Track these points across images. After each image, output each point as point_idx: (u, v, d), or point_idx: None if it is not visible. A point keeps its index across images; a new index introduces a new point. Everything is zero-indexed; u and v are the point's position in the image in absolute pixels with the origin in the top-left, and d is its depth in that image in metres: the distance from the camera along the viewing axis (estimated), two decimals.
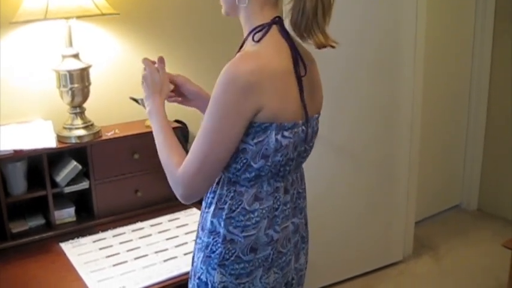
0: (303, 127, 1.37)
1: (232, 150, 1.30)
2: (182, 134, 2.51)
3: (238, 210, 1.37)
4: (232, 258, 1.39)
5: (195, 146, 1.34)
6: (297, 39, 1.36)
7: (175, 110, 2.51)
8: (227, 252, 1.38)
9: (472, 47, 4.03)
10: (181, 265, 1.84)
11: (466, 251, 3.61)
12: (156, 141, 1.48)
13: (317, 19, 1.30)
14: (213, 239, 1.40)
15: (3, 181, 2.00)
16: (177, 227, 2.16)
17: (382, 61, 3.09)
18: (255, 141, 1.30)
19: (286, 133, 1.32)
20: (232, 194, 1.37)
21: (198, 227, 1.48)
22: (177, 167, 1.36)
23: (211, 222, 1.40)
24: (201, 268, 1.43)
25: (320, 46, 1.32)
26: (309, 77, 1.39)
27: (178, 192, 1.37)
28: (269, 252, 1.41)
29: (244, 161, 1.32)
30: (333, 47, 1.34)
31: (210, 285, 1.41)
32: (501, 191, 4.09)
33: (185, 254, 1.91)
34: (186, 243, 2.00)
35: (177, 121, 2.50)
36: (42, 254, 1.96)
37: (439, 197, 4.13)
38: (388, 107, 3.17)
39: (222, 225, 1.37)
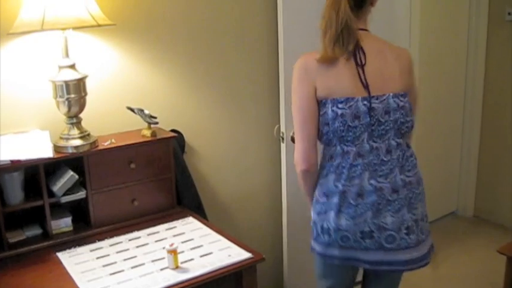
0: (365, 101, 1.82)
1: (311, 117, 1.86)
2: (178, 143, 2.52)
3: (320, 165, 1.95)
4: (315, 200, 1.95)
5: (295, 129, 1.90)
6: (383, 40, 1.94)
7: (172, 120, 2.54)
8: (315, 196, 1.95)
9: (466, 55, 4.06)
10: (178, 274, 1.85)
11: (463, 258, 3.62)
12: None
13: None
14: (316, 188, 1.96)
15: (0, 191, 2.00)
16: (174, 235, 2.16)
17: None
18: (321, 113, 1.87)
19: (340, 105, 1.82)
20: (322, 155, 1.96)
21: None
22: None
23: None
24: (311, 213, 1.99)
25: None
26: (377, 65, 1.86)
27: (298, 164, 1.92)
28: (337, 200, 1.86)
29: (320, 128, 1.88)
30: None
31: (312, 221, 1.98)
32: (497, 197, 4.11)
33: (182, 263, 1.91)
34: (182, 251, 2.00)
35: (173, 130, 2.51)
36: (39, 263, 1.97)
37: (435, 204, 4.14)
38: None
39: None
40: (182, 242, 2.09)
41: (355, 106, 1.82)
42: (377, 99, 1.85)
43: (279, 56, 2.69)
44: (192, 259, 1.95)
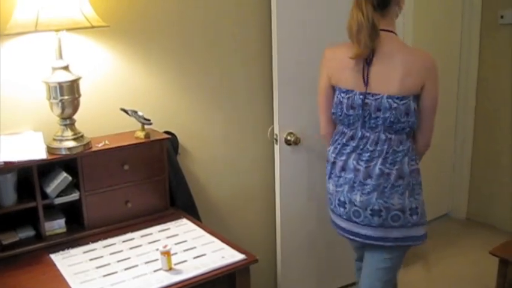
0: (361, 96, 2.06)
1: (327, 97, 2.22)
2: (172, 144, 2.52)
3: None
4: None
5: (317, 104, 2.29)
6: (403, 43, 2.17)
7: (165, 121, 2.54)
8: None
9: (459, 57, 4.08)
10: (172, 275, 1.85)
11: (456, 260, 3.64)
12: None
13: None
14: None
15: None
16: (168, 237, 2.16)
17: None
18: (334, 96, 2.18)
19: (342, 94, 2.12)
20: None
21: None
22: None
23: None
24: None
25: None
26: (381, 67, 2.04)
27: (320, 130, 2.34)
28: (329, 167, 2.24)
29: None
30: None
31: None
32: (489, 199, 4.13)
33: (175, 264, 1.91)
34: (176, 253, 2.00)
35: (167, 132, 2.51)
36: (33, 265, 1.96)
37: (428, 206, 4.11)
38: None
39: None
40: (175, 244, 2.09)
41: (352, 98, 2.09)
42: (372, 96, 2.05)
43: (272, 58, 2.70)
44: (185, 261, 1.96)
